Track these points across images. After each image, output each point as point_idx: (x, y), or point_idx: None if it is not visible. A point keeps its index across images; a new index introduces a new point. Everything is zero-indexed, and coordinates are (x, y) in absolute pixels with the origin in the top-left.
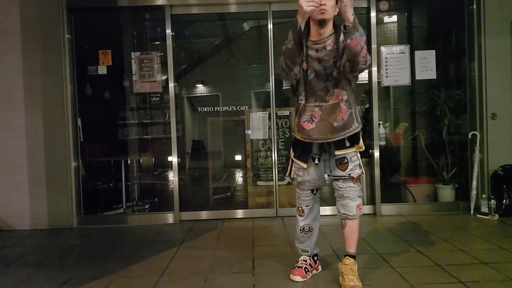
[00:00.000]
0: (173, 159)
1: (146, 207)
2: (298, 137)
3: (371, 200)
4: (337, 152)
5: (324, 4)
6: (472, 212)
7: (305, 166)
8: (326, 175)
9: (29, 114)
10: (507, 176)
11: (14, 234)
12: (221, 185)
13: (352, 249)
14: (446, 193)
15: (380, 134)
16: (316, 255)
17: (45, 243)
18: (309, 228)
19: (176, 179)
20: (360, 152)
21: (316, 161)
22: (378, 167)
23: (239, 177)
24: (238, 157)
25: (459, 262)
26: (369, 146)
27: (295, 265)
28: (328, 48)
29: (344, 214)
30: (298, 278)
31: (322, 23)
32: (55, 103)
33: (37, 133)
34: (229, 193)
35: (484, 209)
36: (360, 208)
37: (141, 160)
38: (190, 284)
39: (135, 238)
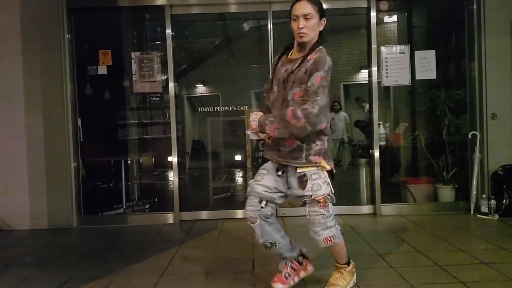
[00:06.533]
0: (173, 159)
1: (146, 207)
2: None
3: (371, 200)
4: (298, 170)
5: (303, 27)
6: (472, 212)
7: (265, 172)
8: (285, 193)
9: (29, 114)
10: (507, 176)
11: (14, 234)
12: (221, 185)
13: (341, 261)
14: (446, 193)
15: (380, 134)
16: (301, 255)
17: (45, 243)
18: (271, 243)
19: (176, 179)
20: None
21: (280, 173)
22: (378, 167)
23: (239, 177)
24: (238, 157)
25: (459, 262)
26: (369, 146)
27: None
28: (298, 73)
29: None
30: (278, 285)
31: (301, 45)
32: (55, 103)
33: (37, 133)
34: (229, 193)
35: (484, 209)
36: (330, 240)
37: (141, 160)
38: (190, 284)
39: (135, 238)
